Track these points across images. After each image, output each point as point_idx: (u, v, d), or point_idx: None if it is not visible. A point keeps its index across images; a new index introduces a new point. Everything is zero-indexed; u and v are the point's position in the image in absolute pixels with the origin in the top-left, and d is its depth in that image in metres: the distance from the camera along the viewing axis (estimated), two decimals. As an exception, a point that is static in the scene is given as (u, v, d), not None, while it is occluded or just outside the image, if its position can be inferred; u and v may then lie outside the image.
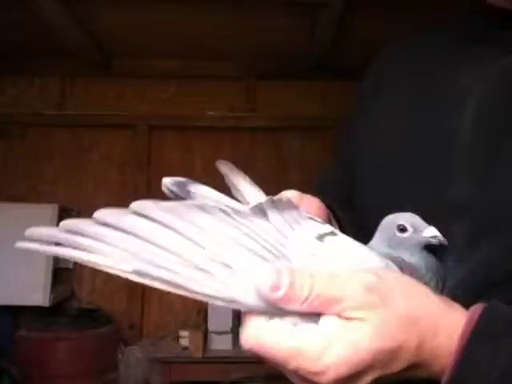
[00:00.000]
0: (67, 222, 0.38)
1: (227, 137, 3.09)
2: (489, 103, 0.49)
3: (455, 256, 0.48)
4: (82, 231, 0.38)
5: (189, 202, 0.44)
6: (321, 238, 0.42)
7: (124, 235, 0.39)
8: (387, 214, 0.50)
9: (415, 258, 0.45)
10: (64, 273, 2.92)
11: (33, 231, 0.37)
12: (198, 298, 0.37)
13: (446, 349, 0.37)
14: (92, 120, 3.02)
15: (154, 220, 0.39)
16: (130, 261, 0.37)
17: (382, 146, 0.57)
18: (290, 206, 0.45)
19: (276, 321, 0.37)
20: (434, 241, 0.45)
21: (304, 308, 0.37)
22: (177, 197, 0.47)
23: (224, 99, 3.09)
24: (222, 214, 0.42)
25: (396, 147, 0.56)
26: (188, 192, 0.48)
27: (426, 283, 0.43)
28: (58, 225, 0.39)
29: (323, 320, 0.37)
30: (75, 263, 2.97)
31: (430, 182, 0.51)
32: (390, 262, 0.43)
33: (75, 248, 0.38)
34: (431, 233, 0.45)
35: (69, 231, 0.38)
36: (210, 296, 0.37)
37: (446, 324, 0.38)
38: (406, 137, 0.55)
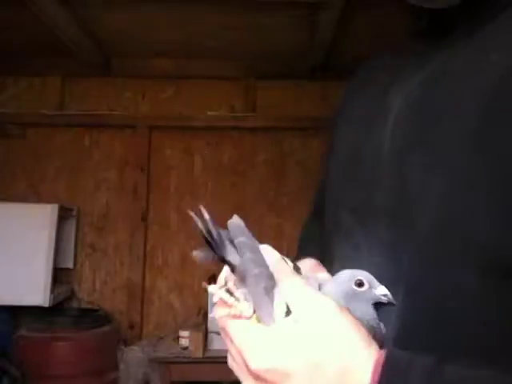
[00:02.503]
0: None
1: (227, 137, 3.09)
2: (402, 117, 0.55)
3: (384, 257, 0.54)
4: None
5: None
6: None
7: None
8: (336, 227, 0.62)
9: (368, 312, 0.51)
10: (64, 273, 2.92)
11: None
12: None
13: None
14: (92, 120, 3.02)
15: None
16: None
17: (336, 164, 0.68)
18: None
19: None
20: (384, 299, 0.51)
21: None
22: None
23: (224, 99, 3.10)
24: None
25: (343, 162, 0.65)
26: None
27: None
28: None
29: None
30: (75, 263, 2.98)
31: (364, 191, 0.58)
32: None
33: None
34: (383, 291, 0.51)
35: None
36: None
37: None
38: (351, 154, 0.63)
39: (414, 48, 0.61)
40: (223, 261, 0.52)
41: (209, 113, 3.06)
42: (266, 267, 0.51)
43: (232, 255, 0.51)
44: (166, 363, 2.47)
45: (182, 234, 3.02)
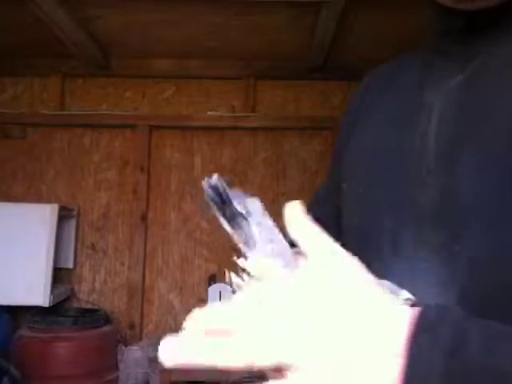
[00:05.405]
0: None
1: (227, 137, 3.09)
2: (446, 119, 0.54)
3: (434, 262, 0.52)
4: None
5: None
6: None
7: None
8: (367, 229, 0.59)
9: None
10: (64, 273, 2.92)
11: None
12: None
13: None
14: (92, 120, 3.02)
15: None
16: None
17: (363, 164, 0.64)
18: None
19: None
20: (409, 302, 0.47)
21: None
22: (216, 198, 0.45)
23: (224, 99, 3.09)
24: None
25: (375, 164, 0.62)
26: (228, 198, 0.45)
27: None
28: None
29: None
30: (75, 263, 2.98)
31: (403, 192, 0.56)
32: None
33: None
34: (406, 295, 0.46)
35: None
36: None
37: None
38: (382, 154, 0.61)
39: (446, 47, 0.59)
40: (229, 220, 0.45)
41: (209, 113, 3.06)
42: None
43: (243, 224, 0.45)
44: (165, 363, 2.47)
45: (182, 233, 3.02)
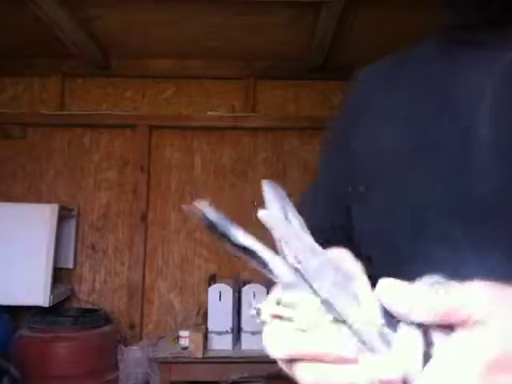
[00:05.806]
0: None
1: (227, 137, 3.09)
2: (503, 98, 0.48)
3: (497, 259, 0.45)
4: None
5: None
6: None
7: None
8: (411, 229, 0.51)
9: None
10: (64, 273, 2.92)
11: None
12: None
13: None
14: (92, 120, 3.02)
15: None
16: None
17: (387, 160, 0.56)
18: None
19: None
20: None
21: None
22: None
23: (224, 99, 3.10)
24: None
25: (407, 159, 0.54)
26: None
27: None
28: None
29: None
30: (75, 263, 2.98)
31: (453, 185, 0.49)
32: None
33: None
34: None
35: None
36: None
37: None
38: (415, 149, 0.53)
39: (479, 32, 0.54)
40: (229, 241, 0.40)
41: (209, 113, 3.07)
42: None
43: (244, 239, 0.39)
44: (165, 363, 2.47)
45: (182, 234, 3.02)
